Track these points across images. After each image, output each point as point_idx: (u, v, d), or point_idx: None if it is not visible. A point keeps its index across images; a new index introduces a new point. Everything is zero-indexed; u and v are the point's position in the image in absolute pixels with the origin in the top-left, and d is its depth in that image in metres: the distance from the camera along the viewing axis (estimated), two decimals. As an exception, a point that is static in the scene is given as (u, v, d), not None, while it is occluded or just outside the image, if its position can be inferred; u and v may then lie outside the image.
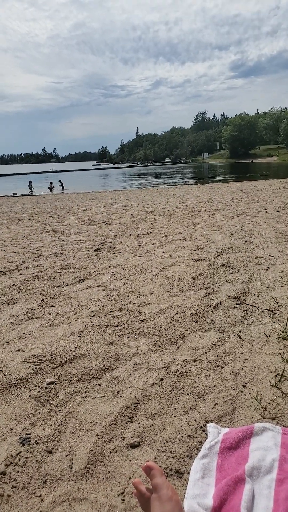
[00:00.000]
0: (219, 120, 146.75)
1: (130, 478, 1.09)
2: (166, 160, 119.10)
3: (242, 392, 1.49)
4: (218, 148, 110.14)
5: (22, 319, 2.35)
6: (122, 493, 1.04)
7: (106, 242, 4.87)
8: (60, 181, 25.31)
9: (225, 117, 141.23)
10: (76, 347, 1.93)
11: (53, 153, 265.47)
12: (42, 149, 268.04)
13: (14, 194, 19.35)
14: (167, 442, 1.23)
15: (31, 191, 21.94)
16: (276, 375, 1.58)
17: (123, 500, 1.02)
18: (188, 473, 1.09)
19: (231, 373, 1.62)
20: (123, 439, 1.25)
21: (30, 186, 22.59)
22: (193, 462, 1.12)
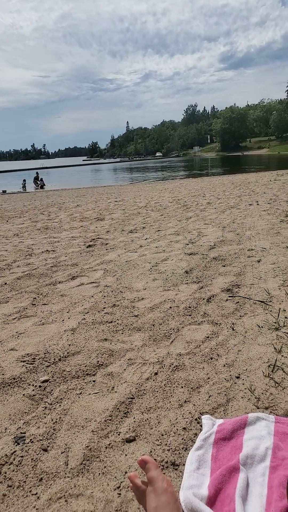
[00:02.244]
0: (209, 113, 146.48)
1: (126, 473, 1.10)
2: (158, 154, 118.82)
3: (236, 383, 1.50)
4: (209, 141, 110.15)
5: (14, 318, 2.34)
6: (119, 487, 1.05)
7: (98, 238, 4.86)
8: (35, 177, 23.92)
9: (215, 109, 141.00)
10: (69, 345, 1.92)
11: (42, 149, 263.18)
12: (31, 146, 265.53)
13: (4, 191, 19.16)
14: (162, 435, 1.24)
15: (24, 189, 21.68)
16: (269, 366, 1.59)
17: (120, 494, 1.02)
18: (184, 464, 1.09)
19: (224, 365, 1.63)
20: (119, 434, 1.26)
21: (24, 185, 22.25)
22: (188, 454, 1.13)
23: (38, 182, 22.96)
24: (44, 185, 22.81)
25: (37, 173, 23.69)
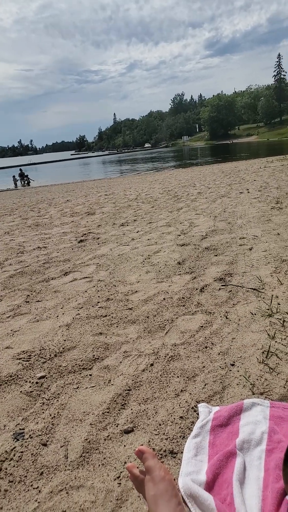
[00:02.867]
0: (197, 102, 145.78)
1: (125, 463, 1.12)
2: (146, 145, 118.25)
3: (231, 370, 1.52)
4: (197, 130, 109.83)
5: (8, 316, 2.34)
6: (119, 477, 1.06)
7: (89, 233, 4.85)
8: (22, 175, 23.26)
9: (203, 98, 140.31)
10: (65, 340, 1.93)
11: (30, 145, 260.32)
12: (18, 142, 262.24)
13: None
14: (160, 425, 1.25)
15: (16, 185, 21.44)
16: (263, 352, 1.62)
17: (120, 483, 1.04)
18: (182, 452, 1.12)
19: (219, 353, 1.65)
20: (117, 426, 1.28)
21: (16, 182, 22.01)
22: (186, 442, 1.15)
23: (25, 179, 22.53)
24: (30, 181, 22.32)
25: (20, 169, 23.30)
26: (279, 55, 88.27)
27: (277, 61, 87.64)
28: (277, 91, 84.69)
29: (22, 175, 22.65)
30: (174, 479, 1.02)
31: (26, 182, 22.20)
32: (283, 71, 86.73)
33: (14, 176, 22.37)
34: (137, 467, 0.95)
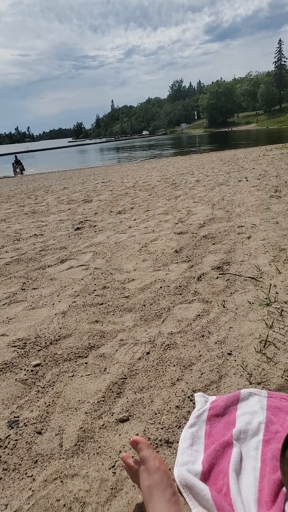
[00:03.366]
0: (196, 89, 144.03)
1: (120, 452, 1.10)
2: (144, 132, 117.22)
3: (228, 360, 1.51)
4: (196, 118, 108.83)
5: (4, 304, 2.31)
6: (113, 466, 1.06)
7: (86, 220, 4.80)
8: (17, 162, 22.82)
9: (202, 85, 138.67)
10: (60, 328, 1.91)
11: (27, 132, 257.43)
12: (15, 129, 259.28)
13: None
14: (155, 414, 1.24)
15: (16, 172, 21.26)
16: (260, 341, 1.60)
17: (114, 473, 1.03)
18: (177, 442, 1.11)
19: (216, 342, 1.64)
20: (112, 415, 1.26)
21: (15, 168, 21.81)
22: (181, 431, 1.14)
23: (19, 166, 22.25)
24: (24, 169, 22.06)
25: (16, 156, 23.05)
26: (280, 40, 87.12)
27: (278, 47, 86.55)
28: (277, 78, 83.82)
29: (17, 162, 22.42)
30: (170, 469, 1.01)
31: (19, 169, 21.93)
32: (284, 57, 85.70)
33: (13, 164, 22.22)
34: (132, 457, 0.94)
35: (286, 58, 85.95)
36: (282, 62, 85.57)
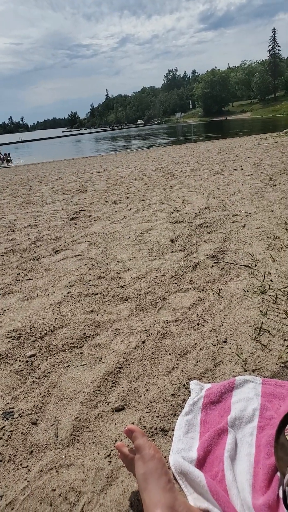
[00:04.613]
0: (190, 78, 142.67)
1: (116, 441, 1.10)
2: (139, 121, 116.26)
3: (223, 347, 1.51)
4: (191, 107, 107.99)
5: (-1, 295, 2.30)
6: (109, 455, 1.05)
7: (81, 210, 4.77)
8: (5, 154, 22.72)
9: (196, 73, 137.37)
10: (55, 318, 1.90)
11: (21, 122, 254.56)
12: (9, 119, 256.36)
13: None
14: (151, 402, 1.24)
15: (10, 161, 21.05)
16: (255, 329, 1.60)
17: (110, 462, 1.03)
18: (173, 430, 1.10)
19: (211, 330, 1.64)
20: (108, 404, 1.26)
21: (6, 159, 21.56)
22: (177, 419, 1.14)
23: (2, 156, 22.00)
24: (10, 161, 21.79)
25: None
26: (274, 29, 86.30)
27: (272, 35, 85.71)
28: (271, 66, 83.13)
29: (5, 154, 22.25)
30: (165, 457, 1.01)
31: (5, 161, 21.67)
32: (278, 45, 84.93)
33: (6, 154, 22.00)
34: (127, 446, 0.94)
35: (280, 47, 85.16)
36: (276, 51, 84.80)
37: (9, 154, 22.42)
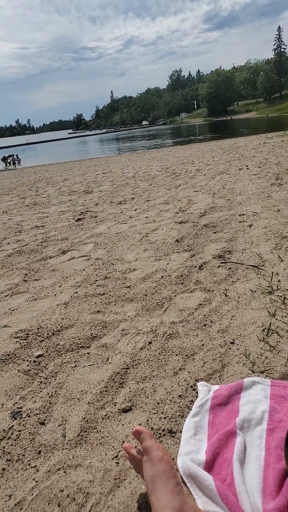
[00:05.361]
0: (195, 78, 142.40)
1: (123, 442, 1.10)
2: (144, 122, 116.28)
3: (230, 348, 1.50)
4: (195, 107, 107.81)
5: (6, 295, 2.31)
6: (117, 456, 1.05)
7: (87, 211, 4.78)
8: (15, 155, 23.33)
9: (201, 74, 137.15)
10: (62, 319, 1.91)
11: (27, 125, 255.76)
12: (16, 121, 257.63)
13: None
14: (158, 404, 1.24)
15: (15, 165, 21.42)
16: (263, 330, 1.59)
17: (118, 463, 1.03)
18: (181, 432, 1.10)
19: (218, 331, 1.63)
20: (115, 405, 1.26)
21: (14, 161, 21.99)
22: (185, 421, 1.14)
23: (9, 160, 22.41)
24: (14, 163, 22.13)
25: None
26: (279, 27, 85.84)
27: (277, 34, 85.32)
28: (277, 65, 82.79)
29: (4, 158, 22.64)
30: (173, 459, 1.01)
31: (9, 163, 22.11)
32: (283, 44, 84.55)
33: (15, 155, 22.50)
34: (135, 447, 0.94)
35: (286, 45, 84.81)
36: (282, 49, 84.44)
37: (17, 155, 22.79)
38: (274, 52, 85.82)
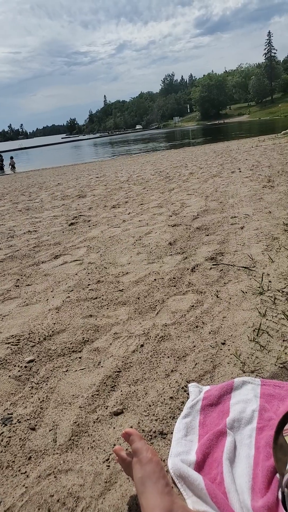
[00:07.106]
0: (188, 82, 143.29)
1: (115, 445, 1.09)
2: (137, 127, 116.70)
3: (221, 349, 1.50)
4: (188, 111, 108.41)
5: (-2, 301, 2.29)
6: (108, 459, 1.05)
7: (80, 215, 4.78)
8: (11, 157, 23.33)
9: (193, 78, 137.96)
10: (54, 323, 1.90)
11: (20, 130, 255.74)
12: (8, 126, 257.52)
13: None
14: (149, 406, 1.23)
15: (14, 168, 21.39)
16: (254, 330, 1.60)
17: (108, 466, 1.02)
18: (172, 433, 1.10)
19: (210, 332, 1.63)
20: (106, 408, 1.25)
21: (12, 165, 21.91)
22: (176, 422, 1.13)
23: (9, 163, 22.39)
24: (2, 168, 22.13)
25: (0, 155, 23.18)
26: (269, 32, 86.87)
27: (267, 39, 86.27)
28: (267, 69, 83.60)
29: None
30: (163, 460, 1.01)
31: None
32: (274, 48, 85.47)
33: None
34: (125, 450, 0.93)
35: (276, 50, 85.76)
36: (272, 54, 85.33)
37: (11, 157, 22.76)
38: (265, 56, 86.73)
